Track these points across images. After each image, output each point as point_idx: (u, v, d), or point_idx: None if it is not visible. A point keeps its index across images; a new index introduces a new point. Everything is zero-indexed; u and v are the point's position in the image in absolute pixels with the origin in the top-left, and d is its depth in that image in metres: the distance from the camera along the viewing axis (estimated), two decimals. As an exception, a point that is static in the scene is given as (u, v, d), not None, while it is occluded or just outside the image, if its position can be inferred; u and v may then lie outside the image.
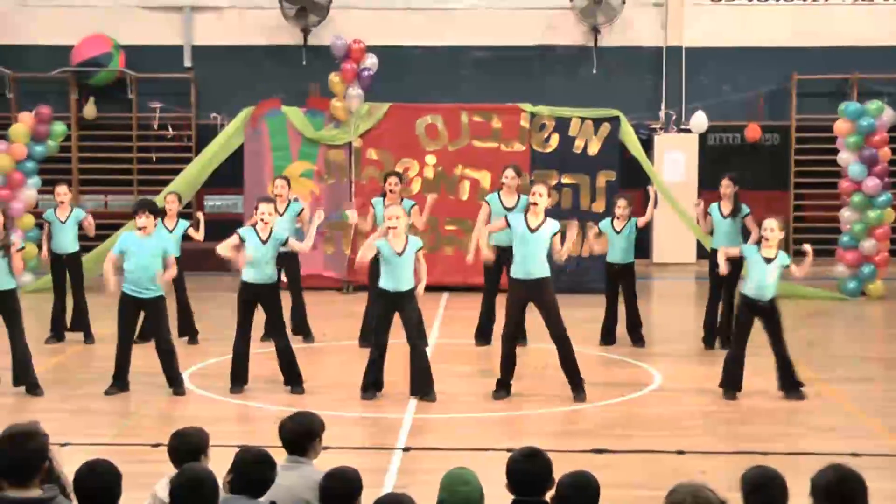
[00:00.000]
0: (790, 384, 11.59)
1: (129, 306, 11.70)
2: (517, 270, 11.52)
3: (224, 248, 11.69)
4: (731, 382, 11.62)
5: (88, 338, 14.52)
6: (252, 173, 19.17)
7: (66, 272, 14.59)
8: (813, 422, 10.82)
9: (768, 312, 11.52)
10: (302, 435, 6.21)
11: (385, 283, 11.38)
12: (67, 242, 14.52)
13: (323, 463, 6.22)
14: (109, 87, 22.07)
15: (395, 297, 11.33)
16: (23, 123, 19.60)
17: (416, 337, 11.49)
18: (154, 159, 22.18)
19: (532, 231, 11.37)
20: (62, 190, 14.62)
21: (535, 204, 11.40)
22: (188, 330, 14.33)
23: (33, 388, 11.66)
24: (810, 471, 4.82)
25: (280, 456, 6.14)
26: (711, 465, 9.17)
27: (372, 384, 11.49)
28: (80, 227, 14.62)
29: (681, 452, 9.62)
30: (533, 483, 5.37)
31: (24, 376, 11.69)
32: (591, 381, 12.34)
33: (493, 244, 13.80)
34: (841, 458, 9.10)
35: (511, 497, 5.44)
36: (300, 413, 6.41)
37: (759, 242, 11.65)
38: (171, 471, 5.97)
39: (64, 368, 13.16)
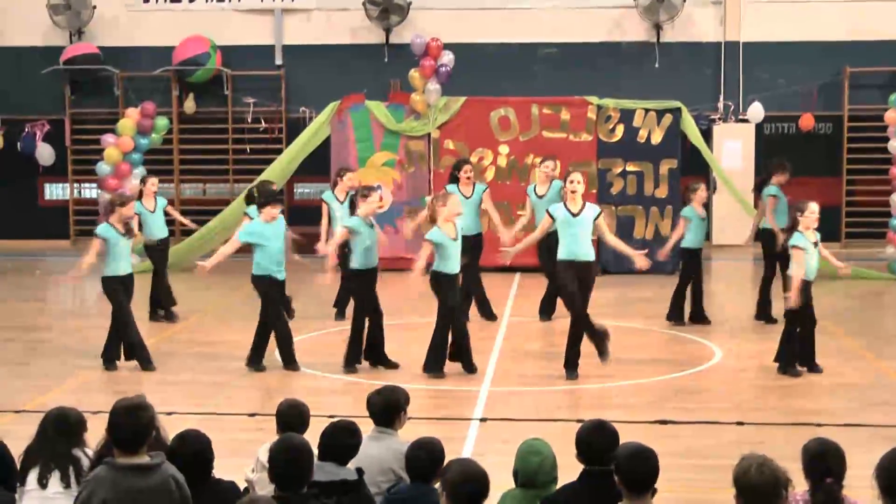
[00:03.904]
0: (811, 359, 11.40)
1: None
2: (564, 252, 11.24)
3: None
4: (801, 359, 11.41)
5: (155, 315, 14.42)
6: (338, 163, 19.14)
7: (156, 255, 14.53)
8: (868, 396, 10.60)
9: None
10: (388, 408, 6.22)
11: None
12: (157, 230, 14.51)
13: (406, 432, 6.23)
14: (207, 84, 22.25)
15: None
16: (130, 118, 19.87)
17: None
18: (248, 150, 22.32)
19: (574, 216, 11.20)
20: (154, 181, 14.71)
21: (574, 192, 11.22)
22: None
23: (146, 364, 11.68)
24: (865, 442, 4.76)
25: (368, 426, 6.17)
26: (769, 435, 9.07)
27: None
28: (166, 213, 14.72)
29: (740, 423, 9.51)
30: (601, 452, 5.33)
31: (110, 352, 11.76)
32: (655, 357, 12.31)
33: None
34: (894, 429, 9.04)
35: (581, 466, 5.41)
36: (386, 387, 6.42)
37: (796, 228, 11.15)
38: (271, 438, 6.04)
39: (169, 343, 13.29)
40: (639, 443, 5.15)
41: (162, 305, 14.54)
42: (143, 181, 14.93)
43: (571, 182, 11.25)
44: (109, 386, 11.03)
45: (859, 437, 8.77)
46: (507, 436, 8.70)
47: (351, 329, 11.68)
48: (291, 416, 6.13)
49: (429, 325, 11.61)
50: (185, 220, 16.00)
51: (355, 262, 11.68)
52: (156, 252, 14.54)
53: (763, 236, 14.26)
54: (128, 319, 11.66)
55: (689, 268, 13.98)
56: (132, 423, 4.98)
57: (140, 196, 14.37)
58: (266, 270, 11.58)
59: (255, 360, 11.64)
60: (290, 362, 11.63)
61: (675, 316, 13.98)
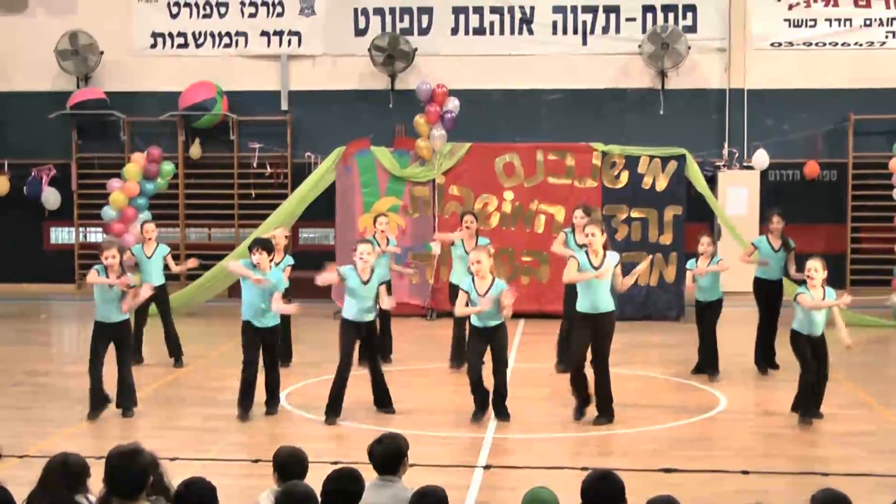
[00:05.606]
0: (812, 409, 11.28)
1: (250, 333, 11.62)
2: (582, 305, 11.27)
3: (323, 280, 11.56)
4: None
5: (178, 361, 14.37)
6: (343, 208, 19.29)
7: (154, 303, 14.28)
8: (873, 445, 10.56)
9: (819, 344, 11.30)
10: (391, 456, 6.19)
11: (475, 320, 11.34)
12: (154, 276, 14.35)
13: (410, 480, 6.21)
14: (213, 129, 22.34)
15: (484, 331, 11.27)
16: (135, 163, 19.95)
17: (501, 363, 11.40)
18: (253, 195, 22.37)
19: (595, 268, 11.17)
20: (150, 227, 14.68)
21: (591, 244, 11.20)
22: (285, 354, 14.14)
23: (128, 411, 11.57)
24: (872, 491, 4.74)
25: (372, 474, 6.14)
26: (774, 485, 9.03)
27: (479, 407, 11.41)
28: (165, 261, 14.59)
29: (745, 472, 9.46)
30: (606, 503, 5.31)
31: (126, 400, 11.61)
32: (660, 405, 12.26)
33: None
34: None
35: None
36: (386, 435, 6.39)
37: (804, 283, 11.30)
38: (272, 484, 6.02)
39: (171, 389, 13.27)
40: (669, 495, 5.16)
41: (170, 350, 14.56)
42: (142, 226, 14.94)
43: (587, 235, 11.33)
44: (112, 431, 10.99)
45: (866, 486, 8.72)
46: (511, 484, 8.66)
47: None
48: (290, 464, 6.10)
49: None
50: (181, 268, 15.46)
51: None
52: (154, 299, 14.47)
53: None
54: (94, 364, 11.50)
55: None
56: (127, 469, 4.97)
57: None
58: (245, 315, 11.55)
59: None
60: (241, 407, 11.53)
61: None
